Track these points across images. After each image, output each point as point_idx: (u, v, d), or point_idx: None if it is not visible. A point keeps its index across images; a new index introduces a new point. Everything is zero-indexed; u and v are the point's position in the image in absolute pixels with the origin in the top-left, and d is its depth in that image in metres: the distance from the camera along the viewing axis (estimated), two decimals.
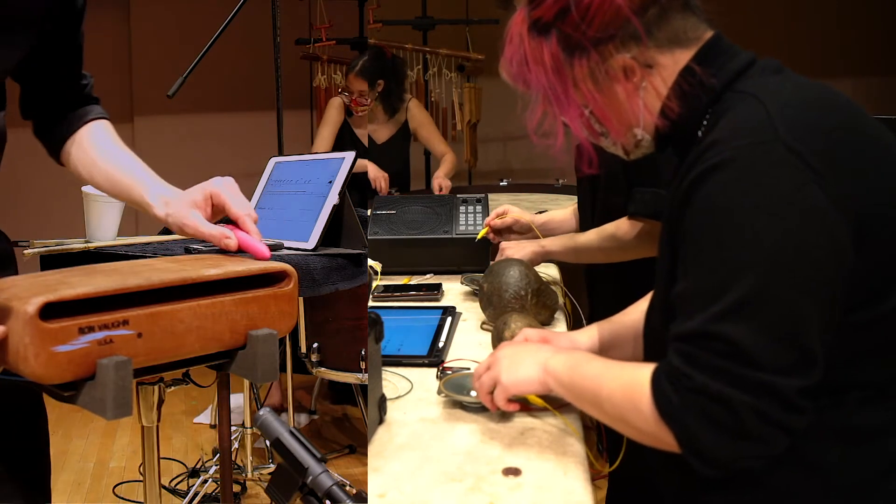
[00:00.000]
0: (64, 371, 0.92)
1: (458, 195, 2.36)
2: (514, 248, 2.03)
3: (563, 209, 2.29)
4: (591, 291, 2.15)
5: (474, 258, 2.18)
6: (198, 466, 3.17)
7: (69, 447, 3.56)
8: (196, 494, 2.91)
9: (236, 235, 1.23)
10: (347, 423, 3.80)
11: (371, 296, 2.04)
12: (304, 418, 3.81)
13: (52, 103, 1.42)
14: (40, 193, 4.63)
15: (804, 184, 0.93)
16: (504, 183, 4.06)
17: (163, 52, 4.86)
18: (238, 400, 3.24)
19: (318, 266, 1.47)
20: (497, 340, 1.54)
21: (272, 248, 1.35)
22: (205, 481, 2.97)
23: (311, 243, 1.57)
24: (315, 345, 2.75)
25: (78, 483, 3.24)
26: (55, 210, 4.27)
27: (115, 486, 3.17)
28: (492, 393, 1.26)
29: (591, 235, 1.94)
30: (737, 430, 0.91)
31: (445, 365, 1.54)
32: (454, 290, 2.09)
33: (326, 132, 3.92)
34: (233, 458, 2.82)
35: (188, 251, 1.30)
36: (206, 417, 3.81)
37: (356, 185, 3.82)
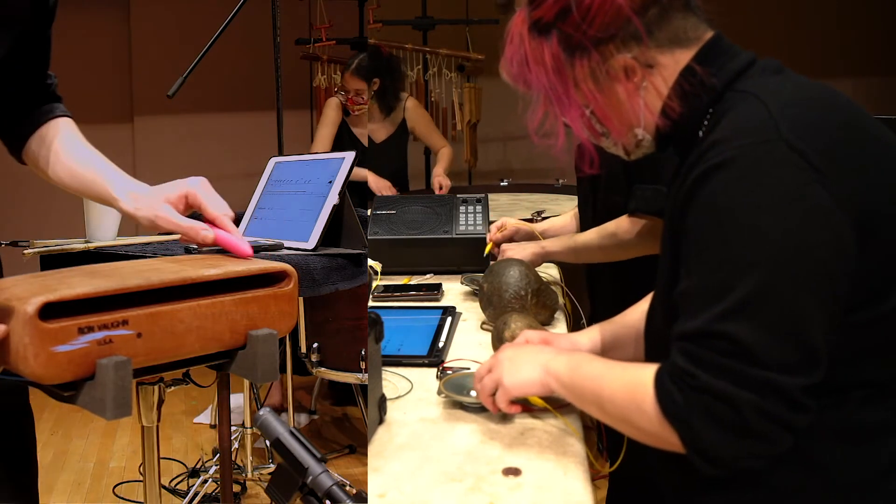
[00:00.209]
0: (63, 371, 0.92)
1: (458, 195, 2.36)
2: (514, 249, 2.03)
3: (563, 215, 2.29)
4: (591, 291, 2.15)
5: (474, 258, 2.18)
6: (198, 466, 3.17)
7: (69, 447, 3.56)
8: (196, 494, 2.91)
9: (224, 239, 1.21)
10: (347, 423, 3.80)
11: (371, 296, 2.04)
12: (304, 418, 3.81)
13: (16, 101, 1.39)
14: (40, 193, 4.62)
15: (807, 182, 0.93)
16: (504, 183, 4.06)
17: (163, 52, 4.86)
18: (238, 400, 3.24)
19: (318, 266, 1.47)
20: (497, 340, 1.54)
21: (272, 248, 1.34)
22: (205, 481, 2.97)
23: (311, 243, 1.57)
24: (315, 345, 2.75)
25: (78, 483, 3.24)
26: (55, 210, 4.27)
27: (115, 486, 3.16)
28: (493, 395, 1.26)
29: (591, 234, 1.94)
30: (741, 429, 0.91)
31: (445, 365, 1.54)
32: (454, 290, 2.09)
33: (325, 133, 3.92)
34: (233, 458, 2.82)
35: (188, 251, 1.30)
36: (206, 417, 3.81)
37: (356, 187, 3.82)
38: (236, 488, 2.98)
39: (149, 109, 4.98)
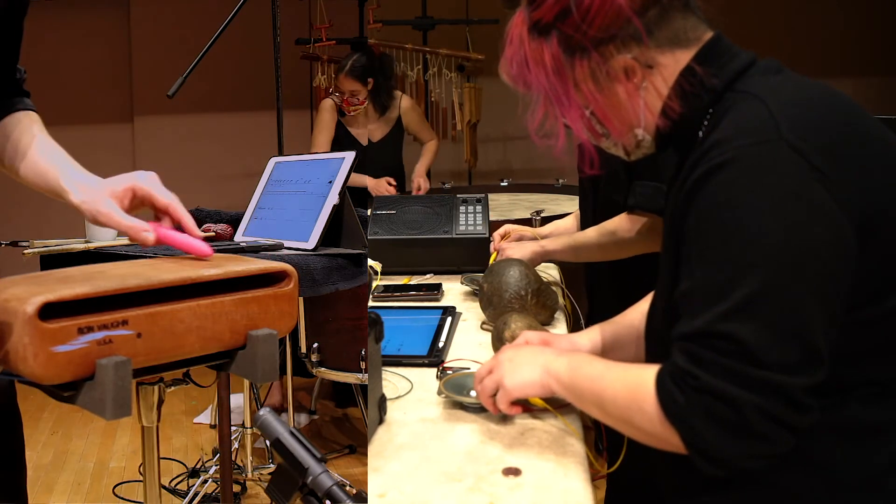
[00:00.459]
0: (63, 371, 0.92)
1: (458, 195, 2.36)
2: (514, 248, 2.03)
3: (566, 218, 2.30)
4: (590, 291, 2.15)
5: (474, 258, 2.18)
6: (198, 466, 3.17)
7: (69, 447, 3.56)
8: (196, 494, 2.91)
9: (172, 237, 1.16)
10: (347, 423, 3.80)
11: (371, 296, 2.04)
12: (304, 418, 3.81)
13: None
14: (40, 193, 4.62)
15: (808, 182, 0.93)
16: (504, 183, 4.06)
17: (163, 52, 4.86)
18: (238, 400, 3.24)
19: (318, 266, 1.47)
20: (497, 340, 1.54)
21: (272, 248, 1.34)
22: (205, 481, 2.97)
23: (311, 243, 1.57)
24: (315, 345, 2.75)
25: (78, 483, 3.24)
26: (55, 210, 4.26)
27: (115, 486, 3.16)
28: (494, 396, 1.26)
29: (591, 233, 1.94)
30: (743, 430, 0.91)
31: (445, 365, 1.54)
32: (454, 290, 2.09)
33: (323, 138, 3.93)
34: (233, 458, 2.82)
35: None
36: (206, 417, 3.81)
37: (356, 191, 3.82)
38: (236, 488, 2.98)
39: (149, 109, 4.98)
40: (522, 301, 1.69)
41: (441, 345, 1.64)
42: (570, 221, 2.25)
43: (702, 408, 0.92)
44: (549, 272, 2.19)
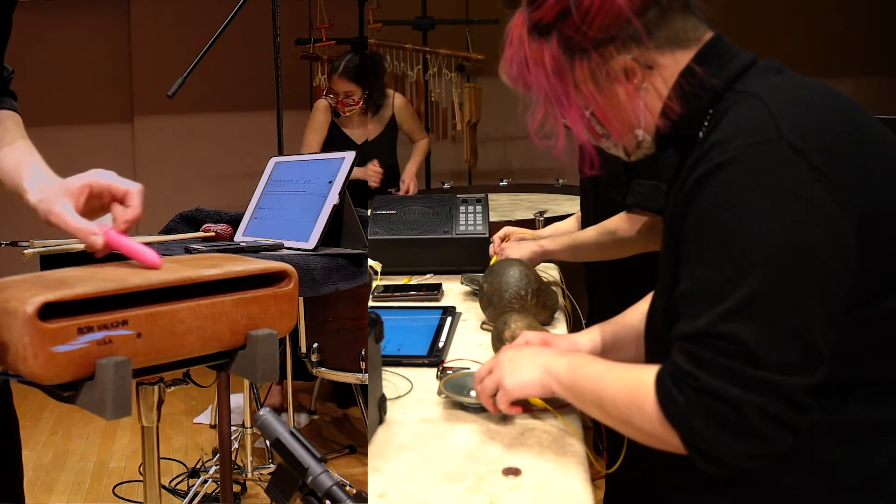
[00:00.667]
0: (63, 371, 0.92)
1: (458, 195, 2.36)
2: (514, 248, 2.03)
3: (568, 219, 2.30)
4: (590, 291, 2.15)
5: (474, 258, 2.19)
6: (198, 466, 3.17)
7: (69, 447, 3.56)
8: (196, 494, 2.91)
9: (120, 242, 1.11)
10: (347, 423, 3.80)
11: (371, 296, 2.04)
12: (304, 418, 3.81)
13: None
14: None
15: (808, 182, 0.93)
16: (504, 183, 4.06)
17: (163, 52, 4.86)
18: (238, 400, 3.24)
19: (318, 266, 1.47)
20: (497, 340, 1.54)
21: (272, 248, 1.34)
22: (205, 481, 2.97)
23: (311, 243, 1.57)
24: (315, 345, 2.75)
25: (78, 483, 3.24)
26: None
27: (115, 486, 3.16)
28: (494, 396, 1.26)
29: (591, 232, 1.94)
30: (743, 430, 0.91)
31: (445, 365, 1.54)
32: (454, 290, 2.09)
33: (314, 138, 3.92)
34: (233, 458, 2.82)
35: (188, 251, 1.30)
36: (206, 417, 3.81)
37: (355, 187, 3.82)
38: (236, 488, 2.98)
39: (149, 109, 4.98)
40: (522, 301, 1.69)
41: (441, 345, 1.64)
42: (571, 223, 2.25)
43: (702, 408, 0.92)
44: (549, 272, 2.19)
